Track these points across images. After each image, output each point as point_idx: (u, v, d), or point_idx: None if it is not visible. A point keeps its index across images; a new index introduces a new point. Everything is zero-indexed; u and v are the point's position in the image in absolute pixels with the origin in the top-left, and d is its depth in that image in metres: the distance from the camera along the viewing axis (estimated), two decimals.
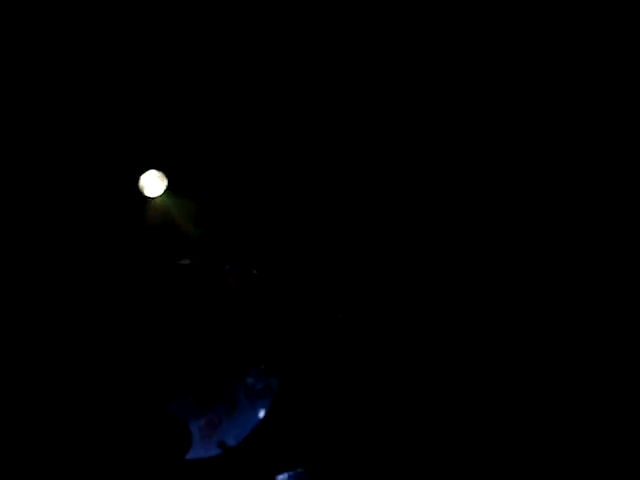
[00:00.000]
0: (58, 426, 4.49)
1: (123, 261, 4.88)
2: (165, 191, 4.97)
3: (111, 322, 4.77)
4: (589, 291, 4.60)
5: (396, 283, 4.93)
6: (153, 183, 4.96)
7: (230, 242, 5.09)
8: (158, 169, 4.96)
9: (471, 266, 4.83)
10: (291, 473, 4.30)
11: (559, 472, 4.32)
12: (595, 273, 4.61)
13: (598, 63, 4.63)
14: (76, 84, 4.63)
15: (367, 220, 5.01)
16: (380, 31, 4.74)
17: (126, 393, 4.66)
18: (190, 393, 4.78)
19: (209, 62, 4.81)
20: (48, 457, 4.40)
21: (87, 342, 4.70)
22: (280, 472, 4.34)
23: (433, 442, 4.52)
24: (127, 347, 4.78)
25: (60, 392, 4.56)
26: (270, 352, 4.91)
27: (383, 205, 5.01)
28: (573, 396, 4.46)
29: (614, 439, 4.31)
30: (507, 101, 4.79)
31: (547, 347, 4.59)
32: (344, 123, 4.98)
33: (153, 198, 4.96)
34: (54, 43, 4.48)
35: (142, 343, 4.81)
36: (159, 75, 4.77)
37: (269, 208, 5.11)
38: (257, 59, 4.83)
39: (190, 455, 4.61)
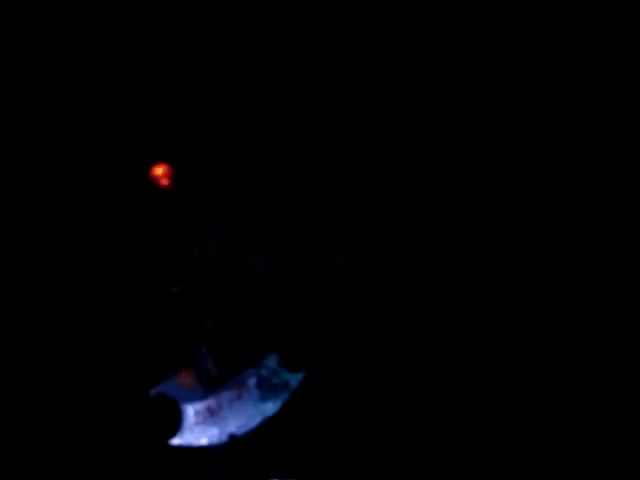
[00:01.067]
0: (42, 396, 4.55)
1: (141, 243, 5.00)
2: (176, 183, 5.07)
3: (127, 300, 4.87)
4: (589, 290, 4.58)
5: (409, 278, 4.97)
6: (165, 175, 5.09)
7: (256, 222, 5.09)
8: (170, 160, 5.06)
9: (470, 266, 4.85)
10: None
11: (559, 472, 4.35)
12: (595, 273, 4.60)
13: (598, 63, 4.57)
14: (86, 82, 4.74)
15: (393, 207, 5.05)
16: (382, 31, 4.77)
17: (123, 370, 4.66)
18: (197, 374, 4.76)
19: (217, 60, 4.89)
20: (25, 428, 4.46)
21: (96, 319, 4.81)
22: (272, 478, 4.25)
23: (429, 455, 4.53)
24: (140, 324, 4.84)
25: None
26: (290, 345, 4.91)
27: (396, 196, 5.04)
28: (573, 396, 4.47)
29: (614, 439, 4.31)
30: (507, 101, 4.78)
31: (547, 347, 4.60)
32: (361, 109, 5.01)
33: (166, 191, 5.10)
34: (63, 41, 4.61)
35: (155, 322, 4.87)
36: (171, 68, 4.84)
37: (295, 193, 5.13)
38: (264, 57, 4.90)
39: (179, 440, 4.53)
